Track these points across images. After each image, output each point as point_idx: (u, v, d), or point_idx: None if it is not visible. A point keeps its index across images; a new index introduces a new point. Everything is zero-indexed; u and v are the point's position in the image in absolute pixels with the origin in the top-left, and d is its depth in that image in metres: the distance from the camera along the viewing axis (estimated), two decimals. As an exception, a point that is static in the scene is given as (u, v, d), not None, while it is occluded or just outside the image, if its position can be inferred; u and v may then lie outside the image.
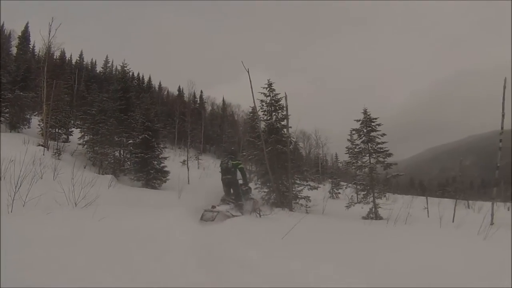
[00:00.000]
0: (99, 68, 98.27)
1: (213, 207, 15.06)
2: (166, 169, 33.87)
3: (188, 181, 37.83)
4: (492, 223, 20.24)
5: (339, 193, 54.46)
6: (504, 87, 25.41)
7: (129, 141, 36.08)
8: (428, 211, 31.64)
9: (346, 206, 29.31)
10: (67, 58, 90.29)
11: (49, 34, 35.37)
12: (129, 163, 35.69)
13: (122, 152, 36.84)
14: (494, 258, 9.04)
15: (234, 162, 17.20)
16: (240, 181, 17.44)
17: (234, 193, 17.13)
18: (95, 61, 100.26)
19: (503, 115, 25.55)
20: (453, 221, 22.46)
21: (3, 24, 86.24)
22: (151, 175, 32.23)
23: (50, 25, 35.21)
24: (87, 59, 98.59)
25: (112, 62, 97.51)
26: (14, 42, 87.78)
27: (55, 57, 69.85)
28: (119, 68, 49.96)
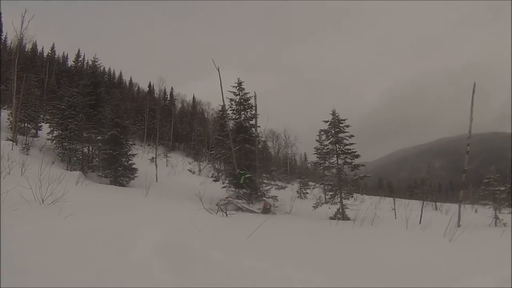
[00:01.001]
0: (70, 62, 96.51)
1: (227, 198, 19.98)
2: (134, 166, 33.63)
3: (156, 178, 38.13)
4: (459, 225, 20.66)
5: (307, 193, 54.59)
6: (473, 92, 25.84)
7: (98, 137, 35.52)
8: (395, 212, 31.95)
9: (314, 206, 29.52)
10: (38, 51, 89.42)
11: (22, 25, 34.93)
12: (97, 159, 35.41)
13: (90, 149, 36.52)
14: (458, 259, 9.30)
15: (246, 175, 24.22)
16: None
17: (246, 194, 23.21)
18: (67, 54, 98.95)
19: (471, 120, 25.99)
20: (420, 223, 22.77)
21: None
22: (119, 172, 31.98)
23: (23, 17, 34.82)
24: (58, 53, 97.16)
25: (84, 56, 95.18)
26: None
27: (26, 49, 69.13)
28: (90, 62, 49.39)
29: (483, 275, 7.84)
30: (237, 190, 24.52)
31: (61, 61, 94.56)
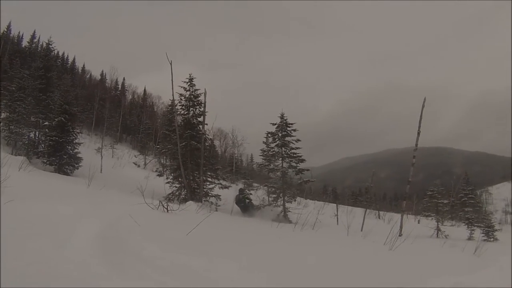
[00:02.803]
0: (25, 43, 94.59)
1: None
2: (79, 155, 33.21)
3: (101, 169, 37.81)
4: (400, 234, 21.08)
5: (251, 194, 54.89)
6: (423, 106, 26.46)
7: (45, 123, 34.87)
8: (337, 218, 32.26)
9: (256, 207, 29.62)
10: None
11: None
12: (43, 145, 34.82)
13: (37, 134, 36.22)
14: (397, 267, 9.49)
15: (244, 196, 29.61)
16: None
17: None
18: (22, 34, 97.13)
19: (418, 133, 26.67)
20: (361, 230, 23.04)
21: None
22: (64, 160, 31.58)
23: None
24: (14, 32, 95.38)
25: (39, 38, 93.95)
26: None
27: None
28: (45, 45, 48.66)
29: (420, 283, 7.99)
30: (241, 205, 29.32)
31: (15, 41, 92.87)
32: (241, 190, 32.02)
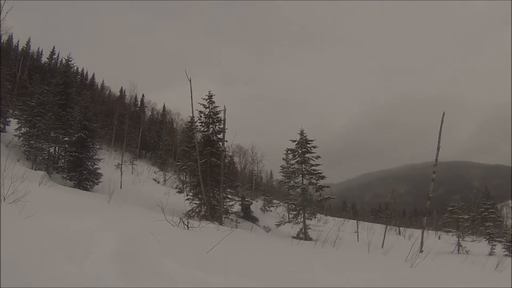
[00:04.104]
0: (44, 59, 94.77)
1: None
2: (99, 171, 33.39)
3: (121, 185, 37.63)
4: (421, 251, 20.76)
5: (270, 210, 54.48)
6: (442, 121, 26.11)
7: (65, 138, 35.37)
8: (358, 235, 31.95)
9: (277, 224, 29.60)
10: (14, 44, 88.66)
11: (-1, 16, 34.45)
12: (63, 161, 35.00)
13: (57, 149, 36.32)
14: (418, 285, 9.27)
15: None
16: None
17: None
18: (42, 50, 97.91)
19: (438, 148, 26.30)
20: (382, 247, 22.78)
21: None
22: (83, 175, 31.76)
23: (1, 7, 34.35)
24: (33, 48, 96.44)
25: (58, 54, 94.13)
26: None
27: (2, 41, 68.36)
28: (64, 61, 48.82)
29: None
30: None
31: (35, 56, 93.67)
32: (243, 197, 33.87)
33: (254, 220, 33.21)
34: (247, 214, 32.33)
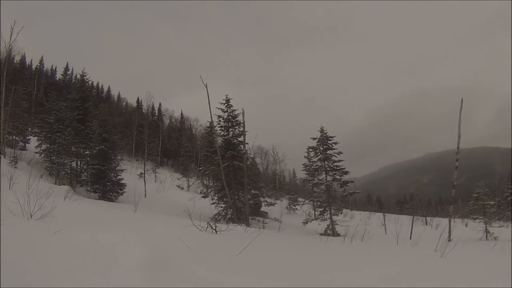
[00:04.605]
0: (58, 76, 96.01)
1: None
2: (122, 181, 33.54)
3: (145, 194, 37.84)
4: (449, 240, 20.59)
5: (296, 209, 54.25)
6: (461, 108, 25.89)
7: (86, 152, 35.67)
8: (385, 227, 31.76)
9: (303, 222, 29.48)
10: (27, 63, 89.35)
11: (10, 37, 34.74)
12: (85, 174, 35.18)
13: (79, 163, 36.53)
14: (451, 274, 9.16)
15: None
16: None
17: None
18: (55, 68, 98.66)
19: (459, 136, 26.06)
20: (410, 238, 22.62)
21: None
22: (107, 187, 31.86)
23: (12, 28, 34.64)
24: (47, 66, 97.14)
25: (72, 70, 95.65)
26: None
27: (15, 61, 68.90)
28: (78, 76, 49.19)
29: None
30: None
31: (49, 74, 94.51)
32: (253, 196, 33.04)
33: (263, 214, 33.38)
34: (256, 210, 32.33)
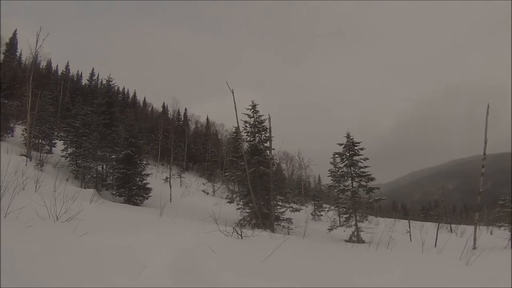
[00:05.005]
0: (84, 81, 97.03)
1: None
2: (148, 186, 33.61)
3: (170, 199, 38.15)
4: (474, 248, 20.37)
5: (321, 215, 54.05)
6: (487, 113, 25.54)
7: (112, 156, 35.94)
8: (410, 235, 31.48)
9: (329, 229, 29.33)
10: (53, 69, 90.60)
11: (37, 43, 35.16)
12: (111, 178, 35.65)
13: (104, 167, 36.82)
14: (476, 283, 9.05)
15: None
16: None
17: None
18: (81, 73, 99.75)
19: (485, 141, 25.70)
20: (435, 246, 22.42)
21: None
22: (133, 191, 31.98)
23: (38, 35, 35.03)
24: (73, 71, 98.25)
25: (98, 75, 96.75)
26: (1, 48, 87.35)
27: (41, 67, 69.67)
28: (104, 81, 49.52)
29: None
30: None
31: (75, 79, 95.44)
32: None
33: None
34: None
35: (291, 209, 30.68)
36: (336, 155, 31.96)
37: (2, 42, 76.42)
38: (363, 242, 26.29)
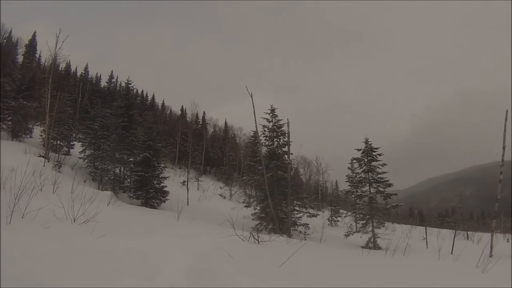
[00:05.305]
0: (103, 83, 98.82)
1: None
2: (165, 189, 33.63)
3: (188, 202, 37.91)
4: (491, 255, 20.26)
5: (338, 221, 53.90)
6: (506, 119, 25.34)
7: (130, 159, 36.00)
8: (427, 242, 31.30)
9: (345, 235, 29.26)
10: (72, 71, 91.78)
11: (56, 45, 35.52)
12: (129, 180, 35.66)
13: (122, 169, 36.94)
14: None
15: None
16: None
17: None
18: (100, 75, 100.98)
19: (504, 148, 25.51)
20: (451, 253, 22.30)
21: (10, 31, 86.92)
22: (150, 194, 32.00)
23: (57, 37, 35.27)
24: (92, 73, 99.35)
25: (117, 77, 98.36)
26: (21, 50, 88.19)
27: (60, 68, 70.19)
28: (123, 84, 49.75)
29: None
30: None
31: (94, 81, 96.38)
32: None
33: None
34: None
35: (308, 214, 30.54)
36: (354, 161, 31.95)
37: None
38: (379, 248, 26.14)
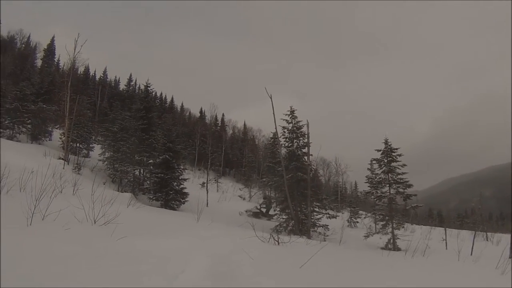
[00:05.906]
0: (122, 86, 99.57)
1: None
2: (185, 190, 33.70)
3: (207, 204, 38.11)
4: (511, 257, 20.03)
5: (357, 222, 53.72)
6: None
7: (150, 161, 36.18)
8: (446, 243, 31.09)
9: (365, 236, 29.08)
10: (91, 74, 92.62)
11: (74, 49, 35.80)
12: (148, 182, 35.71)
13: (142, 171, 36.99)
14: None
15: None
16: None
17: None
18: (119, 78, 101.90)
19: (522, 148, 25.31)
20: (471, 254, 22.16)
21: (29, 36, 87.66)
22: (170, 196, 32.10)
23: (76, 41, 35.52)
24: (110, 76, 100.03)
25: (136, 80, 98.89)
26: (40, 54, 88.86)
27: (79, 72, 70.79)
28: (142, 87, 49.92)
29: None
30: None
31: (113, 84, 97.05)
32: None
33: (270, 216, 34.63)
34: (266, 213, 33.09)
35: (328, 215, 30.45)
36: (374, 161, 31.77)
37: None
38: (399, 249, 26.01)
